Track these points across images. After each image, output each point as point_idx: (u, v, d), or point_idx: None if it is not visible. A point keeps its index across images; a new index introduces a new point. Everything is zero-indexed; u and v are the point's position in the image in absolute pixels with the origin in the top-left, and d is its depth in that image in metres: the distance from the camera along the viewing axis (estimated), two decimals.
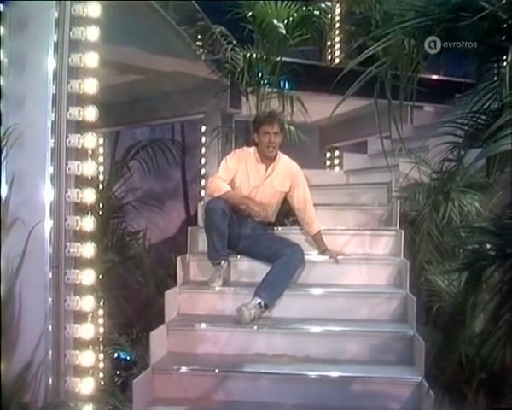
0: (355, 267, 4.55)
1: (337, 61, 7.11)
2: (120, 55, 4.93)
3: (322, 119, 6.96)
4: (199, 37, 5.76)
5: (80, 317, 3.31)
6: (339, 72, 5.84)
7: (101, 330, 4.91)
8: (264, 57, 5.63)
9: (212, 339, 4.03)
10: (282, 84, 5.74)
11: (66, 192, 3.24)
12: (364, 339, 3.96)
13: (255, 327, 4.01)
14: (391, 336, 3.95)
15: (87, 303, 3.32)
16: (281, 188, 4.67)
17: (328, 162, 8.25)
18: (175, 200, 8.38)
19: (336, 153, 8.19)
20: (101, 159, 6.83)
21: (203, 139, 6.45)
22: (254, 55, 5.64)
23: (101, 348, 4.76)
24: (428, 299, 4.54)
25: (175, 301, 4.31)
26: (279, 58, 5.66)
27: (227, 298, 4.34)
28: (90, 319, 3.38)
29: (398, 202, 4.79)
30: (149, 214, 6.26)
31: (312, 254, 4.63)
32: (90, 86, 3.29)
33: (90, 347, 3.38)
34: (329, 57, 7.12)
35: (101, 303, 5.06)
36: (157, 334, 3.90)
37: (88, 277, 3.32)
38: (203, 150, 6.45)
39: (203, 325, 4.07)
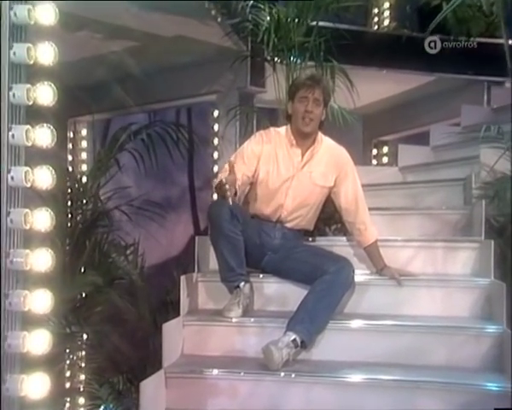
0: (425, 292, 4.11)
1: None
2: (105, 12, 4.51)
3: (369, 104, 6.48)
4: None
5: (30, 364, 2.64)
6: (392, 39, 5.26)
7: (74, 379, 4.66)
8: (296, 19, 5.02)
9: (228, 391, 3.68)
10: (318, 52, 5.14)
11: (9, 172, 2.60)
12: (444, 394, 3.45)
13: (284, 374, 3.61)
14: (483, 392, 3.41)
15: (39, 343, 2.58)
16: (322, 182, 4.11)
17: (374, 159, 7.83)
18: (180, 205, 7.87)
19: (385, 149, 7.81)
20: (84, 155, 6.58)
21: (216, 127, 6.01)
22: (283, 15, 5.05)
23: (74, 402, 4.51)
24: None
25: (177, 337, 3.97)
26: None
27: (249, 333, 3.99)
28: (45, 366, 2.65)
29: (483, 203, 4.30)
30: (145, 223, 5.79)
31: (365, 274, 4.24)
32: (46, 13, 2.57)
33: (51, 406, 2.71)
34: (376, 26, 6.58)
35: (77, 342, 4.75)
36: (152, 384, 3.59)
37: (42, 302, 2.63)
38: (216, 141, 6.02)
39: (216, 372, 3.71)
